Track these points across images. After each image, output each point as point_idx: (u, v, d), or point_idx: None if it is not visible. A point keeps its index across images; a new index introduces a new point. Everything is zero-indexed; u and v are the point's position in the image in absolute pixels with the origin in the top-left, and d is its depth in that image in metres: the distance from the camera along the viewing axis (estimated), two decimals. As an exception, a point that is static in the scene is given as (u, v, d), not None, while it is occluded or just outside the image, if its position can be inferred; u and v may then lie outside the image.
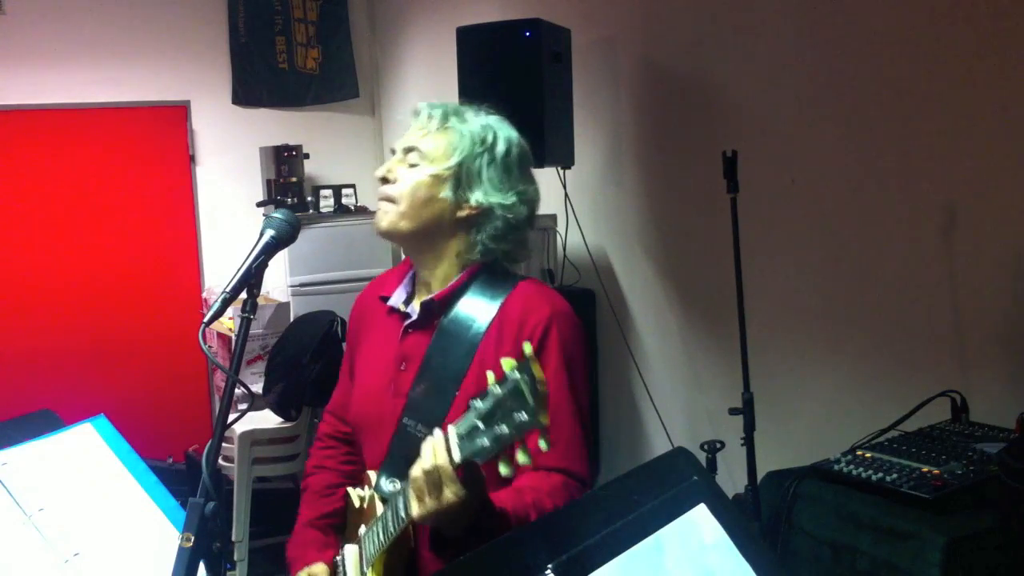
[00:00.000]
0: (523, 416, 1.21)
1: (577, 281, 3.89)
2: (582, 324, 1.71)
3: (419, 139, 1.69)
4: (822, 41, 2.77)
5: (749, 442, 2.53)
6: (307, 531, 1.80)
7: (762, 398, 2.62)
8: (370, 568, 1.58)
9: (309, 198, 5.27)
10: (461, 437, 1.30)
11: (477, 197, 1.67)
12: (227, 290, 1.45)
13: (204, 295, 5.53)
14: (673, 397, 3.55)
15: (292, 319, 4.68)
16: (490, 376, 1.27)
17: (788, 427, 2.92)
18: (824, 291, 2.84)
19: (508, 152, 1.70)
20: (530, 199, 1.74)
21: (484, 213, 1.68)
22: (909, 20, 2.51)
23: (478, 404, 1.28)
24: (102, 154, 5.39)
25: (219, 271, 5.56)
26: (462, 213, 1.68)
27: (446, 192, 1.67)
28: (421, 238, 1.70)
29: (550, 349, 1.60)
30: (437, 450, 1.35)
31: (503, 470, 1.25)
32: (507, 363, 1.25)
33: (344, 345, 2.04)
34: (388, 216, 1.69)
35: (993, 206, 2.33)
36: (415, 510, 1.38)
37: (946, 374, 2.38)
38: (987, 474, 1.82)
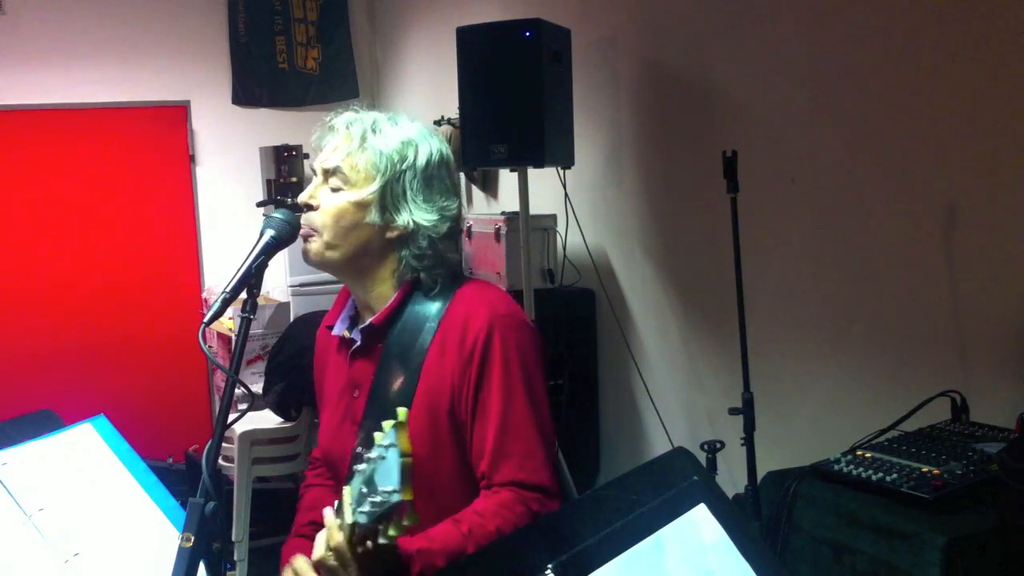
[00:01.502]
0: (388, 489, 1.20)
1: (577, 281, 3.89)
2: (528, 323, 1.66)
3: (339, 159, 1.62)
4: (822, 41, 2.77)
5: (749, 442, 2.53)
6: (293, 540, 1.80)
7: (762, 398, 2.62)
8: None
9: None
10: (354, 499, 1.31)
11: (403, 218, 1.62)
12: (227, 290, 1.45)
13: (204, 295, 5.53)
14: (673, 397, 3.55)
15: (292, 319, 4.68)
16: (377, 436, 1.26)
17: (788, 427, 2.92)
18: (824, 291, 2.84)
19: (427, 166, 1.63)
20: (452, 215, 1.66)
21: (411, 232, 1.63)
22: (909, 20, 2.50)
23: (361, 468, 1.28)
24: (102, 154, 5.39)
25: (219, 271, 5.56)
26: (391, 234, 1.63)
27: (372, 216, 1.61)
28: (352, 264, 1.65)
29: (494, 357, 1.57)
30: (330, 534, 1.37)
31: (381, 540, 1.25)
32: (386, 425, 1.24)
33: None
34: (315, 246, 1.63)
35: (993, 206, 2.33)
36: None
37: (946, 374, 2.38)
38: (987, 474, 1.82)
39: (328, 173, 1.64)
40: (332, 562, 1.36)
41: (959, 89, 2.39)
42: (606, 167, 3.82)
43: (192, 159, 5.60)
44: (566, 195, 3.71)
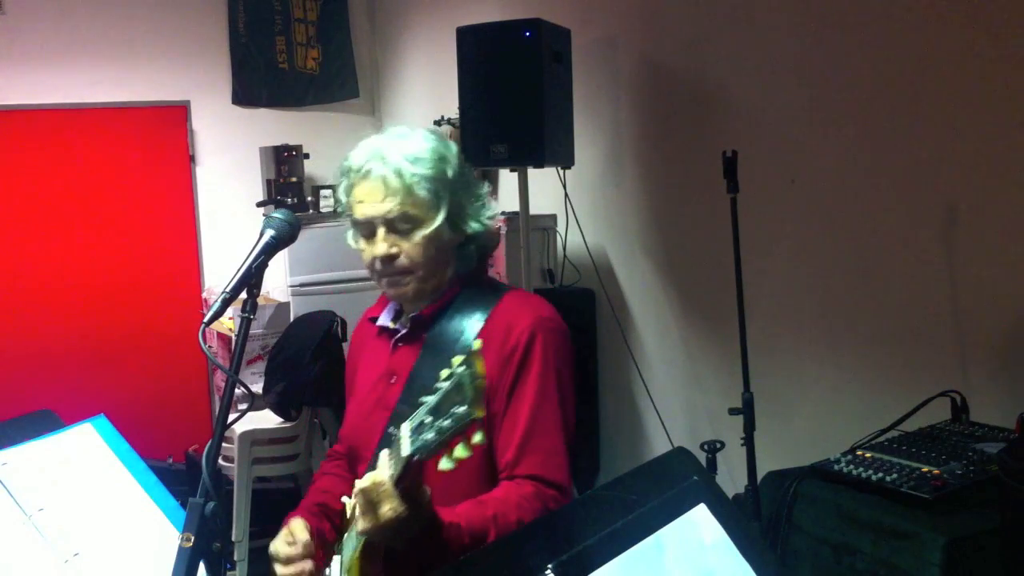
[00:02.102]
0: (462, 409, 1.22)
1: (577, 281, 3.89)
2: (567, 332, 1.72)
3: (398, 207, 1.63)
4: (822, 41, 2.77)
5: (749, 442, 2.53)
6: (297, 511, 1.82)
7: (762, 398, 2.62)
8: (347, 573, 1.59)
9: (309, 198, 5.27)
10: (412, 431, 1.31)
11: (472, 225, 1.70)
12: (227, 290, 1.45)
13: (204, 295, 5.53)
14: (673, 397, 3.55)
15: (292, 319, 4.68)
16: (442, 373, 1.28)
17: (788, 427, 2.92)
18: (824, 291, 2.84)
19: (460, 166, 1.70)
20: (486, 196, 1.74)
21: (474, 233, 1.71)
22: (909, 20, 2.51)
23: (427, 399, 1.30)
24: (102, 154, 5.39)
25: (219, 271, 5.56)
26: (457, 240, 1.71)
27: (447, 235, 1.68)
28: (444, 279, 1.72)
29: (534, 357, 1.62)
30: (378, 470, 1.38)
31: (443, 464, 1.25)
32: (456, 359, 1.26)
33: (345, 352, 2.05)
34: (410, 287, 1.69)
35: (993, 206, 2.33)
36: (359, 526, 1.41)
37: (946, 374, 2.38)
38: (987, 474, 1.82)
39: (390, 224, 1.66)
40: (373, 494, 1.36)
41: (959, 89, 2.39)
42: (606, 167, 3.82)
43: (192, 159, 5.60)
44: (566, 195, 3.71)
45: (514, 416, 1.61)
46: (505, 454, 1.61)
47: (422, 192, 1.63)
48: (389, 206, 1.64)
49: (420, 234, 1.65)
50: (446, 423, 1.24)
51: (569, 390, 1.67)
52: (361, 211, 1.67)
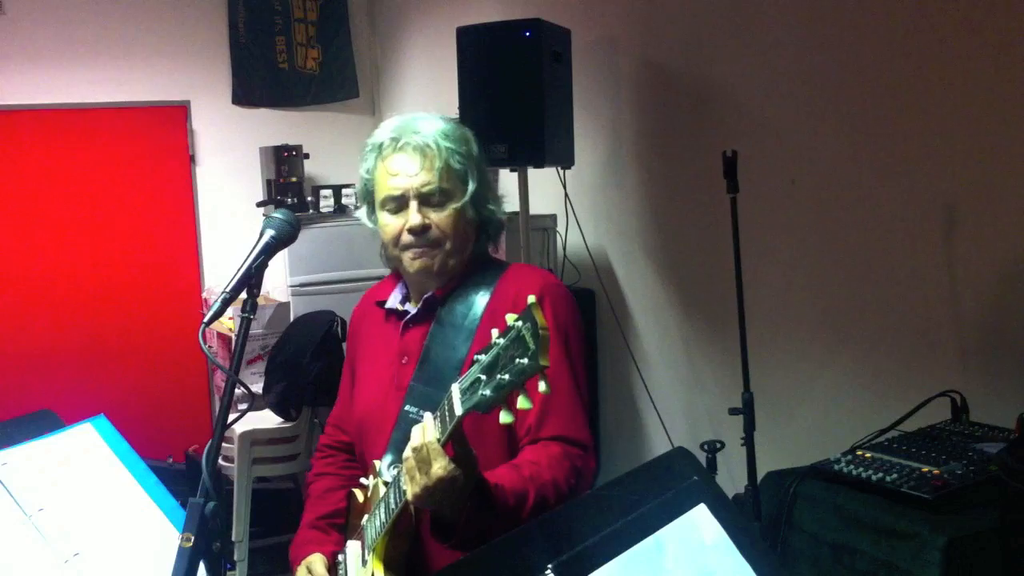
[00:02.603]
0: (524, 361, 1.20)
1: (577, 281, 3.89)
2: (573, 297, 1.76)
3: (434, 180, 1.68)
4: (822, 41, 2.77)
5: (749, 442, 2.53)
6: (306, 532, 1.82)
7: (762, 398, 2.62)
8: (371, 553, 1.58)
9: (309, 198, 5.27)
10: (464, 391, 1.31)
11: (490, 206, 1.76)
12: (227, 290, 1.45)
13: (204, 295, 5.52)
14: (673, 397, 3.55)
15: (292, 319, 4.68)
16: (494, 332, 1.28)
17: (788, 427, 2.92)
18: (824, 291, 2.84)
19: (481, 152, 1.77)
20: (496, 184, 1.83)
21: (490, 215, 1.77)
22: (909, 20, 2.51)
23: (481, 357, 1.29)
24: (102, 154, 5.39)
25: (219, 271, 5.55)
26: (476, 221, 1.76)
27: (472, 214, 1.73)
28: (466, 255, 1.76)
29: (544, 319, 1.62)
30: (426, 428, 1.38)
31: (503, 417, 1.24)
32: (510, 317, 1.26)
33: (345, 352, 2.05)
34: (438, 259, 1.70)
35: (993, 206, 2.33)
36: (408, 491, 1.40)
37: (946, 374, 2.38)
38: (987, 474, 1.82)
39: (423, 196, 1.69)
40: (425, 453, 1.36)
41: (959, 89, 2.39)
42: (606, 167, 3.82)
43: (192, 159, 5.60)
44: (566, 195, 3.71)
45: (532, 381, 1.62)
46: (526, 419, 1.62)
47: (457, 165, 1.69)
48: (427, 177, 1.68)
49: (452, 207, 1.69)
50: (505, 377, 1.23)
51: (579, 350, 1.70)
52: (394, 184, 1.69)
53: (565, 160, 3.44)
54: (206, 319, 1.43)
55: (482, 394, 1.26)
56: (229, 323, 4.52)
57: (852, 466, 1.94)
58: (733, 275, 2.61)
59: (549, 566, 1.06)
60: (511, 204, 3.78)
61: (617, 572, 1.08)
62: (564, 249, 3.88)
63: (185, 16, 5.54)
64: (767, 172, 2.92)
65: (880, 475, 1.87)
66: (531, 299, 1.23)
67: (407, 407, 1.66)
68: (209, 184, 5.63)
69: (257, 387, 4.33)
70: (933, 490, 1.78)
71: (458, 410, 1.31)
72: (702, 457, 2.53)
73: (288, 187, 5.23)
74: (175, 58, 5.52)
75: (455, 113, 3.40)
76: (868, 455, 1.99)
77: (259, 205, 5.22)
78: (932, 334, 2.50)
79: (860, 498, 1.87)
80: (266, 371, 4.35)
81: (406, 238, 1.69)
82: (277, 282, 5.03)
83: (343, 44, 5.88)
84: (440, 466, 1.36)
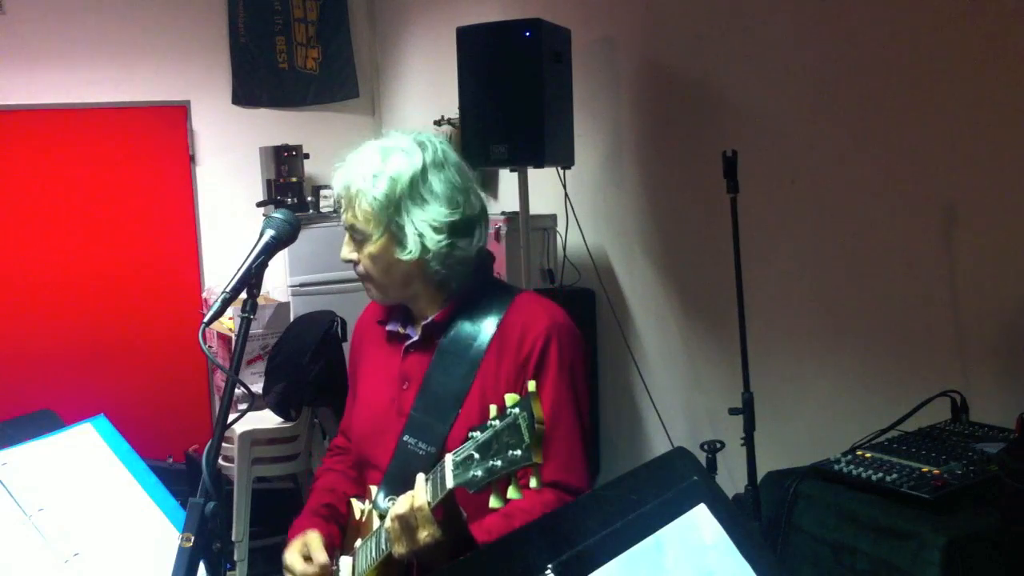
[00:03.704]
0: (517, 452, 1.22)
1: (577, 281, 3.89)
2: (581, 335, 1.73)
3: (351, 218, 1.69)
4: (822, 41, 2.77)
5: (749, 442, 2.53)
6: (307, 516, 1.82)
7: (762, 398, 2.62)
8: None
9: (309, 198, 5.27)
10: (456, 464, 1.31)
11: (412, 244, 1.64)
12: (227, 290, 1.45)
13: (204, 295, 5.52)
14: (673, 397, 3.55)
15: (292, 319, 4.68)
16: (492, 409, 1.29)
17: (788, 427, 2.92)
18: (824, 291, 2.84)
19: (412, 187, 1.65)
20: (451, 218, 1.66)
21: (435, 254, 1.66)
22: (909, 20, 2.51)
23: (476, 435, 1.30)
24: (102, 154, 5.39)
25: (219, 271, 5.55)
26: (425, 257, 1.66)
27: (397, 253, 1.66)
28: (406, 294, 1.74)
29: (550, 362, 1.63)
30: (416, 495, 1.39)
31: (493, 503, 1.27)
32: (510, 398, 1.27)
33: (345, 352, 2.06)
34: (372, 293, 1.76)
35: (993, 206, 2.33)
36: (394, 550, 1.43)
37: (946, 374, 2.38)
38: (987, 474, 1.82)
39: (350, 230, 1.71)
40: (412, 521, 1.38)
41: (959, 89, 2.39)
42: (606, 167, 3.82)
43: (192, 159, 5.60)
44: (566, 195, 3.71)
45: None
46: None
47: (364, 207, 1.65)
48: (346, 216, 1.70)
49: (366, 249, 1.69)
50: (497, 463, 1.24)
51: (584, 393, 1.69)
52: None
53: (565, 160, 3.44)
54: (206, 319, 1.43)
55: (473, 474, 1.27)
56: (229, 323, 4.52)
57: (852, 466, 1.94)
58: (733, 275, 2.61)
59: (549, 566, 1.06)
60: (511, 204, 3.79)
61: (617, 572, 1.08)
62: (564, 249, 3.88)
63: (185, 16, 5.54)
64: (767, 172, 2.92)
65: (880, 475, 1.87)
66: (531, 386, 1.24)
67: (406, 437, 1.66)
68: (209, 184, 5.63)
69: (257, 387, 4.33)
70: (933, 490, 1.77)
71: (449, 483, 1.32)
72: (702, 457, 2.53)
73: (288, 187, 5.24)
74: (175, 58, 5.52)
75: (455, 113, 3.40)
76: (868, 455, 1.99)
77: (259, 205, 5.22)
78: (932, 334, 2.50)
79: (860, 498, 1.87)
80: (266, 371, 4.35)
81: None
82: (277, 282, 5.04)
83: (343, 44, 5.88)
84: (427, 533, 1.38)
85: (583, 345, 1.72)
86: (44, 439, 1.79)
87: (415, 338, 1.74)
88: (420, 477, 1.41)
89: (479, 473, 1.26)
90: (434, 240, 1.65)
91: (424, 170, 1.66)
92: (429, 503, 1.37)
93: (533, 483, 1.22)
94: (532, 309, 1.70)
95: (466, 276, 1.72)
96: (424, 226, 1.64)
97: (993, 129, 2.31)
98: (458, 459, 1.32)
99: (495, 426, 1.27)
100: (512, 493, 1.24)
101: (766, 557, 1.17)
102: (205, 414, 5.64)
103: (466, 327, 1.70)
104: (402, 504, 1.40)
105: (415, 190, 1.65)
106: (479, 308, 1.71)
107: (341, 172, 1.71)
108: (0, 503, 1.65)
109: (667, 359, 3.58)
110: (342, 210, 1.72)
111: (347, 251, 1.73)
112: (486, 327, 1.68)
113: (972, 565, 1.68)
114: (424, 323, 1.73)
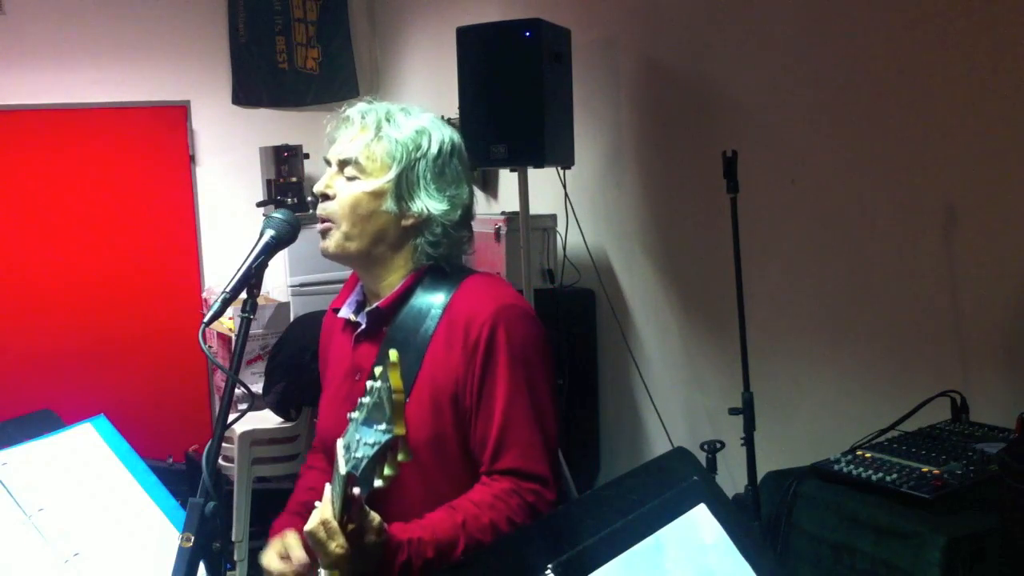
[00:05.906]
0: (383, 426, 1.18)
1: (577, 281, 3.89)
2: (533, 314, 1.67)
3: (356, 150, 1.64)
4: (823, 41, 2.77)
5: (749, 442, 2.53)
6: (287, 516, 1.82)
7: (762, 398, 2.62)
8: None
9: (309, 198, 5.27)
10: (347, 449, 1.29)
11: (418, 206, 1.64)
12: (227, 290, 1.45)
13: (204, 295, 5.53)
14: (673, 397, 3.55)
15: (292, 319, 4.68)
16: (368, 384, 1.25)
17: (788, 427, 2.92)
18: (824, 291, 2.84)
19: (440, 155, 1.66)
20: (464, 203, 1.69)
21: (425, 221, 1.65)
22: (909, 20, 2.50)
23: (353, 415, 1.27)
24: (102, 154, 5.39)
25: (219, 271, 5.56)
26: (406, 223, 1.65)
27: (387, 205, 1.64)
28: (369, 254, 1.67)
29: (498, 349, 1.58)
30: (323, 508, 1.38)
31: (386, 470, 1.21)
32: (376, 369, 1.22)
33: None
34: (334, 239, 1.66)
35: (993, 206, 2.33)
36: (321, 564, 1.41)
37: (946, 374, 2.38)
38: (987, 474, 1.82)
39: (344, 163, 1.66)
40: (320, 534, 1.36)
41: (959, 89, 2.39)
42: (606, 167, 3.82)
43: (192, 159, 5.60)
44: (566, 195, 3.71)
45: (487, 412, 1.59)
46: (483, 452, 1.59)
47: (381, 147, 1.63)
48: (348, 147, 1.65)
49: (360, 187, 1.63)
50: (371, 440, 1.21)
51: (540, 376, 1.63)
52: (330, 151, 1.69)
53: (565, 160, 3.44)
54: (206, 319, 1.42)
55: (356, 456, 1.25)
56: (229, 323, 4.52)
57: (852, 466, 1.94)
58: (733, 275, 2.61)
59: (549, 566, 1.06)
60: (511, 204, 3.79)
61: (617, 572, 1.09)
62: (564, 249, 3.88)
63: (185, 16, 5.54)
64: (767, 172, 2.92)
65: (880, 475, 1.87)
66: (392, 355, 1.17)
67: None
68: (209, 184, 5.63)
69: (257, 387, 4.33)
70: (933, 490, 1.77)
71: (342, 469, 1.29)
72: (702, 457, 2.53)
73: (288, 187, 5.24)
74: (175, 58, 5.52)
75: (455, 113, 3.40)
76: (868, 455, 1.99)
77: (259, 205, 5.22)
78: (932, 334, 2.50)
79: (860, 498, 1.86)
80: (266, 371, 4.35)
81: (316, 210, 1.69)
82: (277, 282, 5.03)
83: (343, 44, 5.88)
84: (336, 545, 1.36)
85: (537, 327, 1.66)
86: (44, 439, 1.79)
87: (363, 327, 1.70)
88: (327, 489, 1.40)
89: (360, 454, 1.23)
90: (440, 210, 1.64)
91: (458, 149, 1.69)
92: (335, 511, 1.35)
93: (401, 456, 1.17)
94: (478, 294, 1.64)
95: (440, 259, 1.68)
96: (435, 194, 1.64)
97: (993, 129, 2.31)
98: (345, 443, 1.29)
99: (365, 404, 1.24)
100: (387, 470, 1.20)
101: (766, 557, 1.17)
102: (205, 414, 5.64)
103: (413, 312, 1.65)
104: (311, 520, 1.38)
105: (442, 159, 1.66)
106: (427, 292, 1.66)
107: (362, 105, 1.68)
108: (0, 503, 1.65)
109: (667, 359, 3.58)
110: (342, 139, 1.67)
111: (326, 182, 1.66)
112: (433, 312, 1.63)
113: (972, 565, 1.68)
114: (369, 310, 1.69)
